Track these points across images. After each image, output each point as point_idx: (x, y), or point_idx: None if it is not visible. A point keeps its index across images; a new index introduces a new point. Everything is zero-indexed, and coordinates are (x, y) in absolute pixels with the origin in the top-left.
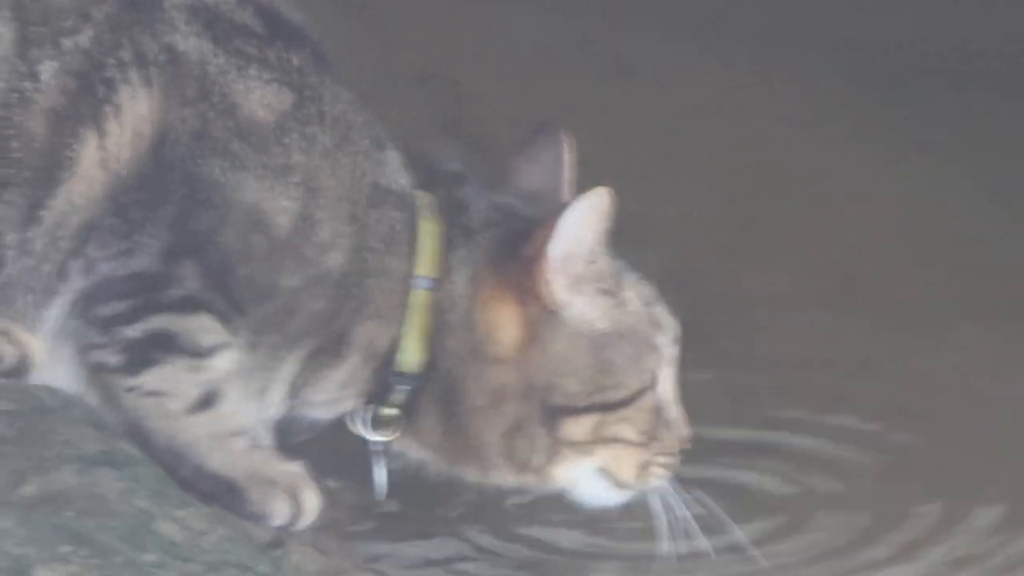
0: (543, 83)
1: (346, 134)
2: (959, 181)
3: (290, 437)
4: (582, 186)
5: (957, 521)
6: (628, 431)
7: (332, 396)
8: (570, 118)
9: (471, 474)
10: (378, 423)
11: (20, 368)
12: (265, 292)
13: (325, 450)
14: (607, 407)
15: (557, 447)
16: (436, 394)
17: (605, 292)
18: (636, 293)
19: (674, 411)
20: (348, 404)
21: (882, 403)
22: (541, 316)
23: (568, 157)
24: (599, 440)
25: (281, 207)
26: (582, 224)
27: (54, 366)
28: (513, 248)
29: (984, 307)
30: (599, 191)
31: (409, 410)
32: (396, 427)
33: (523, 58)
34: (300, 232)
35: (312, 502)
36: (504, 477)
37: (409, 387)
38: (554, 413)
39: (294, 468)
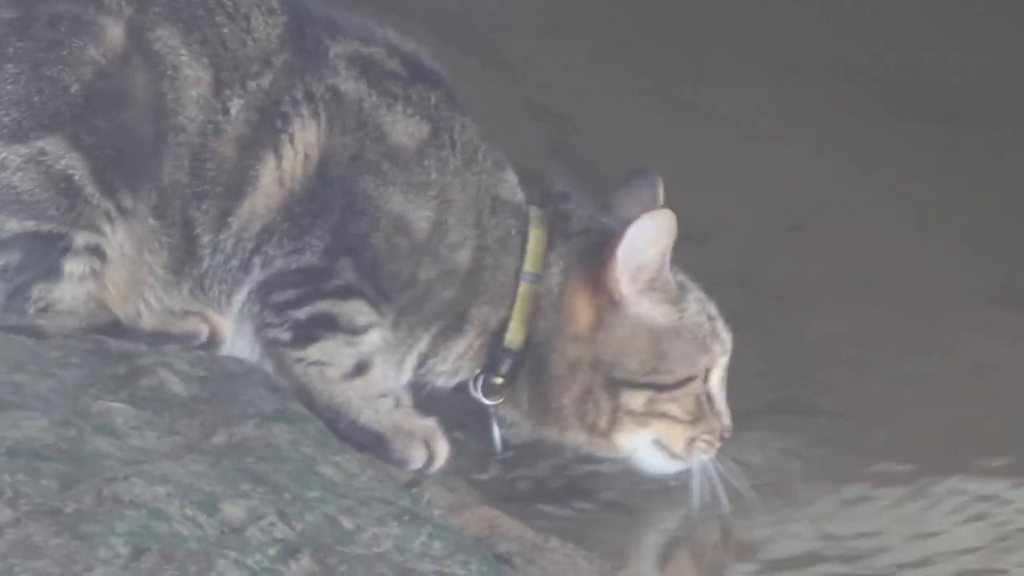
0: (632, 117)
1: (472, 157)
2: (960, 196)
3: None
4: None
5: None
6: (676, 410)
7: (452, 367)
8: (651, 144)
9: (552, 434)
10: (488, 390)
11: (212, 342)
12: (406, 283)
13: (453, 409)
14: (659, 387)
15: (617, 414)
16: (530, 367)
17: (667, 298)
18: (699, 306)
19: (720, 404)
20: (464, 375)
21: (898, 374)
22: (609, 306)
23: (660, 192)
24: (652, 414)
25: (421, 215)
26: (646, 235)
27: (238, 341)
28: (596, 251)
29: (981, 293)
30: (663, 211)
31: (511, 380)
32: (502, 393)
33: (617, 96)
34: (435, 235)
35: (443, 450)
36: (577, 438)
37: (512, 360)
38: (616, 384)
39: (428, 423)
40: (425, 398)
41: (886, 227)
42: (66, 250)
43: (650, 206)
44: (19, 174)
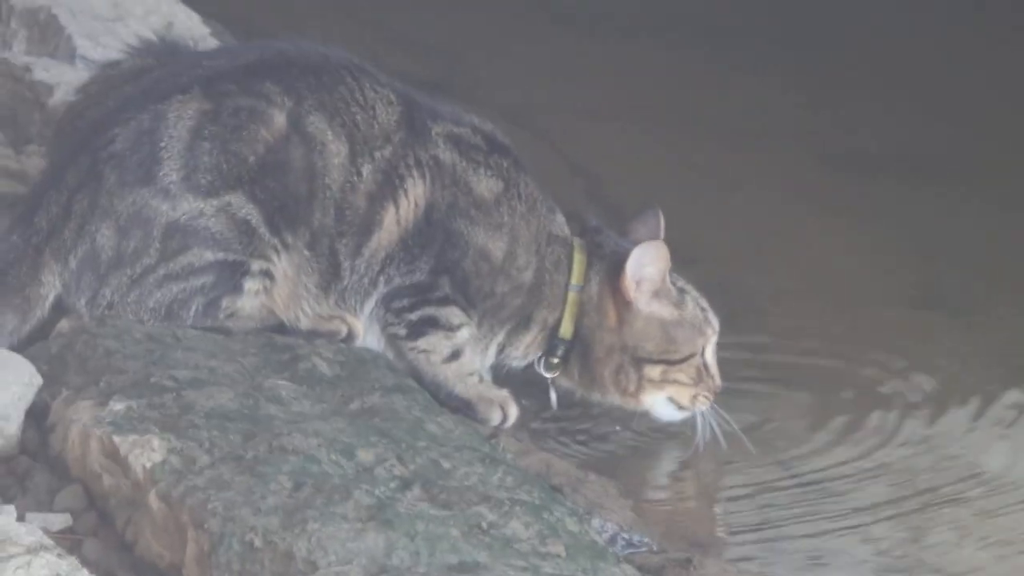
0: (646, 174)
1: (532, 205)
2: (882, 229)
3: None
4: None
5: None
6: (683, 376)
7: (522, 353)
8: (658, 192)
9: (595, 397)
10: (548, 367)
11: (350, 337)
12: (487, 295)
13: (522, 385)
14: (670, 362)
15: (642, 382)
16: (578, 351)
17: (670, 301)
18: (695, 303)
19: (714, 370)
20: (531, 358)
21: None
22: (626, 307)
23: (662, 223)
24: (666, 380)
25: (497, 247)
26: (645, 256)
27: (368, 336)
28: (618, 268)
29: (904, 297)
30: (655, 242)
31: (565, 360)
32: (558, 369)
33: (636, 159)
34: (507, 261)
35: (514, 412)
36: (613, 399)
37: (565, 346)
38: (639, 362)
39: (503, 392)
40: (504, 375)
41: (827, 251)
42: (246, 273)
43: (654, 234)
44: (212, 220)
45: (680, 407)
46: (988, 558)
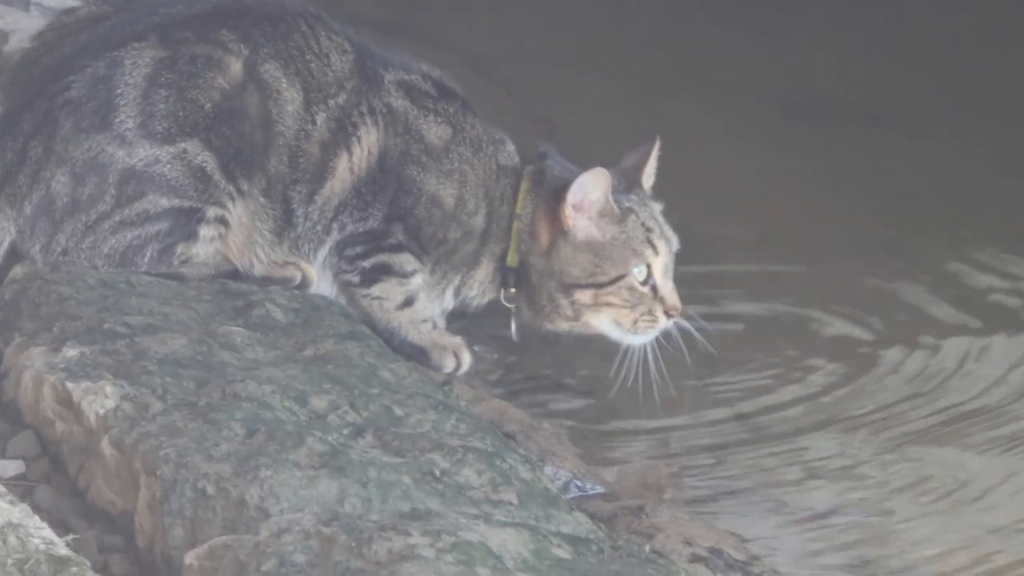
0: (603, 122)
1: (479, 146)
2: (843, 178)
3: (467, 315)
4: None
5: None
6: (615, 299)
7: (479, 290)
8: (615, 140)
9: (547, 326)
10: (507, 298)
11: (304, 284)
12: (440, 241)
13: (475, 331)
14: (599, 285)
15: (575, 307)
16: (523, 278)
17: (611, 221)
18: (638, 224)
19: (667, 290)
20: (491, 294)
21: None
22: (559, 232)
23: (655, 149)
24: (600, 304)
25: (448, 193)
26: (586, 184)
27: (322, 283)
28: (557, 194)
29: (866, 245)
30: (597, 169)
31: (517, 288)
32: (515, 299)
33: (594, 106)
34: (458, 207)
35: (467, 359)
36: (562, 326)
37: (514, 275)
38: (568, 287)
39: (457, 339)
40: (463, 320)
41: (790, 200)
42: (201, 220)
43: (640, 162)
44: (168, 166)
45: (626, 330)
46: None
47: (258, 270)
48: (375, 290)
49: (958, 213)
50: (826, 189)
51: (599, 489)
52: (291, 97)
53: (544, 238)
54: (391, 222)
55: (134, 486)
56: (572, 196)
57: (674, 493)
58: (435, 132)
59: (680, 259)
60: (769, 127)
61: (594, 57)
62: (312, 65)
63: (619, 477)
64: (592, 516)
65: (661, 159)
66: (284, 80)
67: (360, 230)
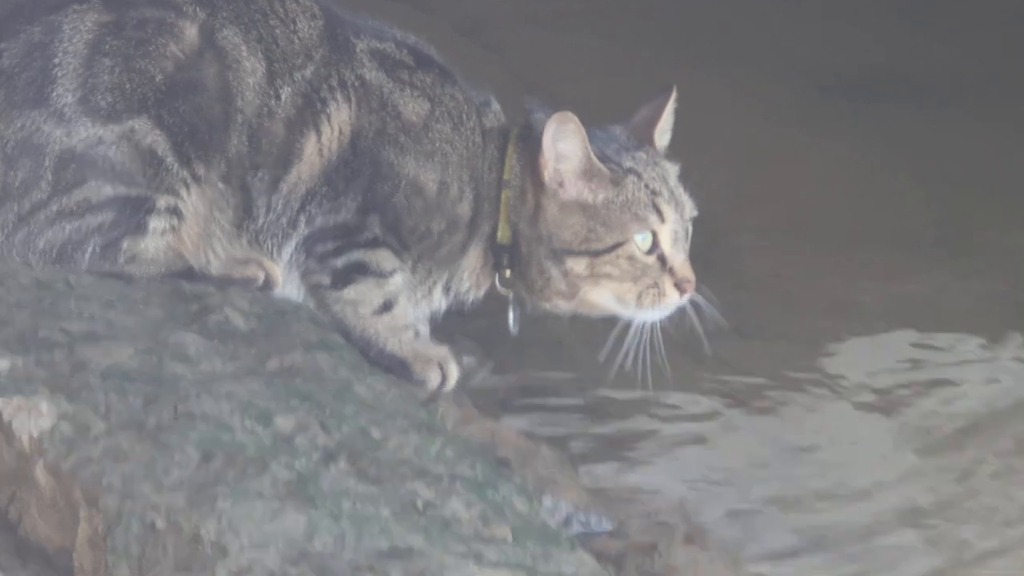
0: (605, 93)
1: (459, 119)
2: (870, 158)
3: (462, 315)
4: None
5: None
6: (613, 270)
7: (472, 281)
8: (621, 114)
9: (544, 305)
10: (503, 282)
11: (267, 285)
12: (423, 234)
13: (463, 338)
14: (594, 252)
15: (571, 278)
16: (516, 256)
17: (602, 182)
18: (642, 185)
19: (677, 261)
20: (486, 284)
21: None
22: (542, 192)
23: (670, 101)
24: (597, 275)
25: (429, 178)
26: (556, 135)
27: (288, 285)
28: (536, 147)
29: (885, 235)
30: (560, 113)
31: (511, 269)
32: (512, 284)
33: (597, 75)
34: (441, 193)
35: (454, 373)
36: (560, 305)
37: (508, 253)
38: (558, 254)
39: (443, 350)
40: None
41: (813, 183)
42: (150, 210)
43: (653, 115)
44: (113, 148)
45: (631, 305)
46: None
47: (215, 266)
48: (349, 292)
49: (1014, 195)
50: (867, 172)
51: (605, 526)
52: (252, 68)
53: (530, 199)
54: (366, 214)
55: (73, 519)
56: (545, 146)
57: (692, 529)
58: (412, 108)
59: (696, 251)
60: (801, 102)
61: (598, 21)
62: (277, 31)
63: (628, 510)
64: (598, 556)
65: (675, 137)
66: (244, 48)
67: (331, 223)
